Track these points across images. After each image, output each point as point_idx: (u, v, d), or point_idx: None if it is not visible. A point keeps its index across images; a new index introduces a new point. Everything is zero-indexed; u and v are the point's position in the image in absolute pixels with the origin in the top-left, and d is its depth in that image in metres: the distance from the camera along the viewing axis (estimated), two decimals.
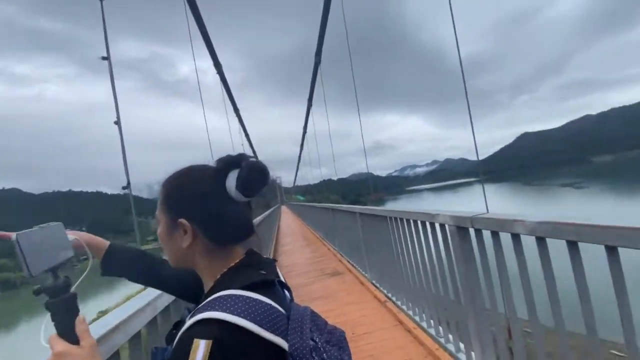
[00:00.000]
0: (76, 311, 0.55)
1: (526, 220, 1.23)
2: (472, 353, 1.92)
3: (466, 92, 3.38)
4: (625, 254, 0.91)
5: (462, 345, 2.13)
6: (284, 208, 43.37)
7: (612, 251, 0.93)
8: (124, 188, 3.21)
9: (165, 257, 0.70)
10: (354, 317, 3.21)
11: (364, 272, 4.39)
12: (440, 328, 2.39)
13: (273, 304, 0.54)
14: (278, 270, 0.69)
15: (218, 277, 0.60)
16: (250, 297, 0.52)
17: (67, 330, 0.52)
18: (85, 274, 0.65)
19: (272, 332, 0.50)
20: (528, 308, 1.34)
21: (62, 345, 0.52)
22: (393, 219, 2.90)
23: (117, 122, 3.12)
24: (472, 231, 1.77)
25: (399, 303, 3.11)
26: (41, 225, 0.56)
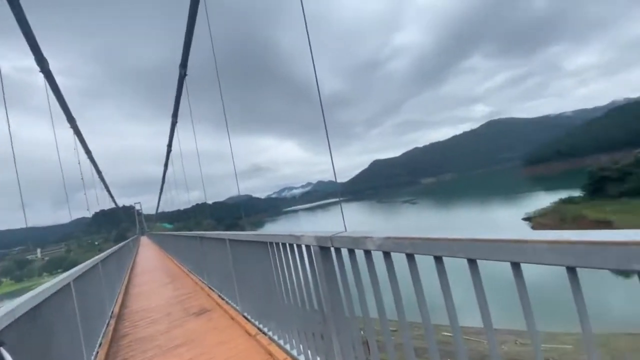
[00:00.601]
0: None
1: (374, 236, 1.32)
2: None
3: (325, 124, 3.68)
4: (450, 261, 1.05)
5: None
6: (144, 239, 37.34)
7: (438, 260, 1.05)
8: None
9: None
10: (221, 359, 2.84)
11: (235, 306, 4.04)
12: (309, 352, 2.35)
13: None
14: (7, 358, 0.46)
15: None
16: None
17: None
18: None
19: None
20: (379, 313, 1.49)
21: None
22: (263, 243, 2.77)
23: None
24: (333, 250, 1.83)
25: (270, 334, 2.94)
26: None
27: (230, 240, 3.85)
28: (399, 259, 1.34)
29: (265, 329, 3.06)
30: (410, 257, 1.18)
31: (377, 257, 1.49)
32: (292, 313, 2.48)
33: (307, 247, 2.07)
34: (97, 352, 3.40)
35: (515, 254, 0.84)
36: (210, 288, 5.52)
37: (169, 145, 17.53)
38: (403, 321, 1.33)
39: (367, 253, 1.45)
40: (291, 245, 2.31)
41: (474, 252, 0.91)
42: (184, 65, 8.40)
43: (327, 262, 1.87)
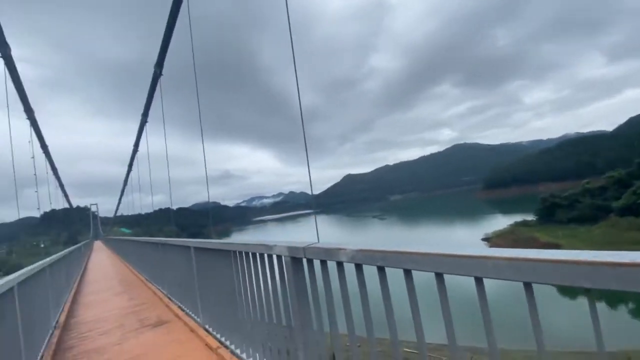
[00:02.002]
0: None
1: (347, 248, 1.35)
2: None
3: (304, 135, 3.72)
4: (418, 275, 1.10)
5: None
6: (98, 244, 34.85)
7: (407, 273, 1.10)
8: None
9: None
10: None
11: (196, 317, 3.86)
12: None
13: None
14: None
15: None
16: None
17: None
18: None
19: None
20: (347, 326, 1.49)
21: None
22: (232, 252, 2.70)
23: None
24: (305, 261, 1.83)
25: (232, 347, 2.84)
26: None
27: (195, 248, 3.72)
28: (370, 272, 1.38)
29: (228, 342, 2.95)
30: (381, 270, 1.21)
31: (349, 269, 1.52)
32: (257, 326, 2.42)
33: (279, 257, 2.06)
34: None
35: (478, 269, 0.90)
36: (169, 298, 5.24)
37: (136, 145, 16.70)
38: (371, 336, 1.35)
39: (339, 265, 1.47)
40: (262, 255, 2.28)
41: (441, 266, 0.96)
42: (159, 64, 8.15)
43: (298, 273, 1.86)
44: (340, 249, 1.41)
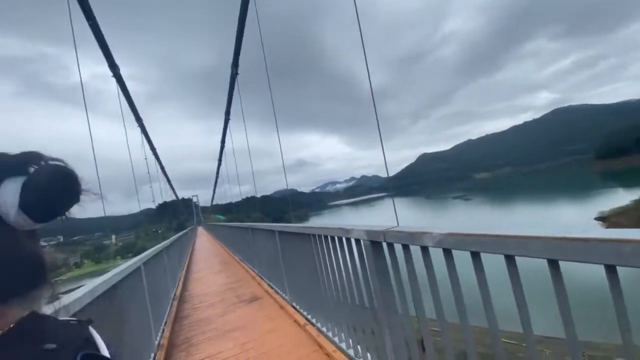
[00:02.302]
0: None
1: (433, 232, 1.24)
2: None
3: (377, 115, 3.57)
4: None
5: None
6: (200, 229, 40.16)
7: (510, 259, 0.95)
8: None
9: None
10: (271, 347, 2.94)
11: (283, 295, 4.16)
12: (359, 347, 2.33)
13: None
14: (97, 337, 0.45)
15: None
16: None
17: None
18: None
19: None
20: (437, 312, 1.40)
21: None
22: (312, 236, 2.80)
23: None
24: (385, 245, 1.77)
25: (318, 325, 2.97)
26: None
27: (279, 232, 3.96)
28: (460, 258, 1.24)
29: (314, 320, 3.10)
30: (475, 256, 1.08)
31: (434, 254, 1.40)
32: (341, 307, 2.47)
33: (357, 241, 2.04)
34: (163, 330, 3.74)
35: (611, 256, 0.72)
36: (260, 277, 5.76)
37: (222, 142, 18.61)
38: (465, 323, 1.24)
39: (424, 250, 1.37)
40: (340, 239, 2.29)
41: (558, 252, 0.80)
42: (235, 64, 8.79)
43: (378, 258, 1.81)
44: (424, 232, 1.31)
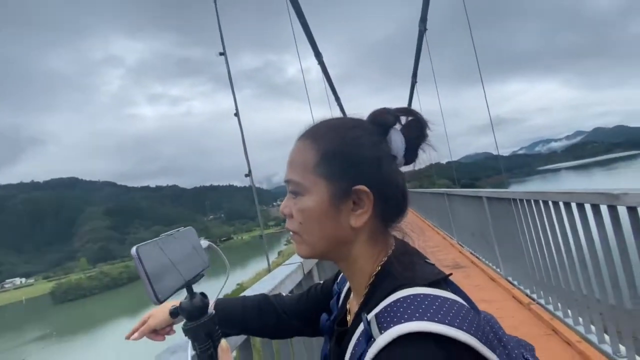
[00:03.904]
0: (218, 336, 0.47)
1: None
2: None
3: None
4: None
5: None
6: None
7: None
8: (246, 175, 3.51)
9: (292, 243, 0.53)
10: None
11: (495, 267, 3.78)
12: (623, 347, 1.79)
13: (473, 307, 0.41)
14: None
15: (378, 268, 0.46)
16: (453, 300, 0.39)
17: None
18: (222, 287, 0.54)
19: (489, 347, 0.36)
20: None
21: None
22: (542, 202, 2.32)
23: (237, 114, 3.42)
24: None
25: (550, 307, 2.51)
26: (168, 232, 0.47)
27: (488, 197, 3.56)
28: None
29: (542, 301, 2.65)
30: None
31: None
32: (589, 294, 1.96)
33: (631, 210, 1.51)
34: None
35: None
36: (460, 244, 5.48)
37: (409, 106, 18.42)
38: None
39: None
40: (595, 207, 1.77)
41: None
42: (423, 20, 8.24)
43: None
44: None
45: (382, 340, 0.35)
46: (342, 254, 0.48)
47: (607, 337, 1.91)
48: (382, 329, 0.36)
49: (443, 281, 0.44)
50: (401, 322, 0.35)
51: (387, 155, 0.46)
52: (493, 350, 0.36)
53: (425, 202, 9.84)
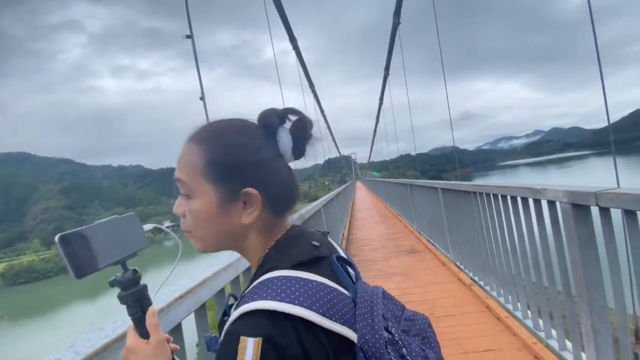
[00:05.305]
0: (147, 303, 0.52)
1: None
2: (583, 354, 1.63)
3: (596, 42, 2.72)
4: None
5: (569, 344, 1.82)
6: (358, 184, 43.45)
7: None
8: None
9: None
10: (434, 297, 3.04)
11: (445, 252, 4.11)
12: (541, 321, 2.08)
13: (334, 285, 0.44)
14: (335, 244, 0.59)
15: (265, 252, 0.50)
16: (306, 279, 0.42)
17: (138, 323, 0.51)
18: (174, 267, 0.61)
19: (336, 320, 0.40)
20: None
21: (131, 340, 0.50)
22: (485, 195, 2.57)
23: (202, 98, 3.37)
24: (594, 210, 1.43)
25: (487, 288, 2.82)
26: (114, 217, 0.53)
27: (442, 189, 3.83)
28: None
29: (481, 283, 2.96)
30: None
31: None
32: (518, 276, 2.24)
33: (551, 203, 1.74)
34: None
35: None
36: (418, 231, 5.84)
37: (381, 99, 18.78)
38: None
39: None
40: (525, 200, 2.01)
41: None
42: (397, 13, 8.36)
43: (583, 226, 1.49)
44: None
45: (232, 317, 0.41)
46: (237, 245, 0.53)
47: (529, 313, 2.21)
48: (236, 307, 0.42)
49: (315, 262, 0.46)
50: (246, 303, 0.40)
51: (274, 155, 0.50)
52: (345, 323, 0.41)
53: (392, 192, 10.25)
